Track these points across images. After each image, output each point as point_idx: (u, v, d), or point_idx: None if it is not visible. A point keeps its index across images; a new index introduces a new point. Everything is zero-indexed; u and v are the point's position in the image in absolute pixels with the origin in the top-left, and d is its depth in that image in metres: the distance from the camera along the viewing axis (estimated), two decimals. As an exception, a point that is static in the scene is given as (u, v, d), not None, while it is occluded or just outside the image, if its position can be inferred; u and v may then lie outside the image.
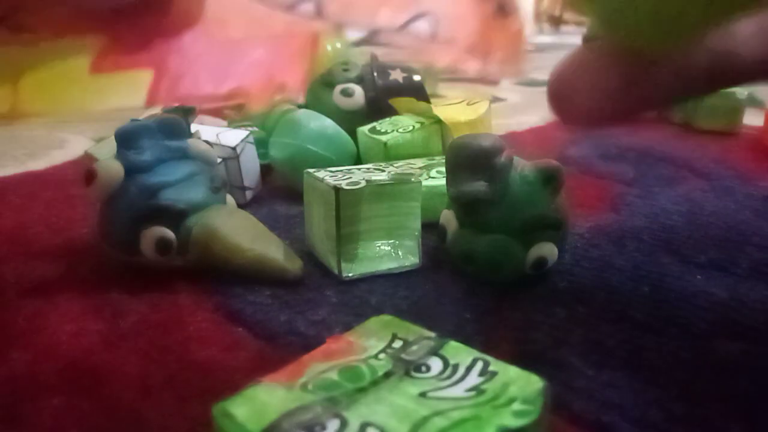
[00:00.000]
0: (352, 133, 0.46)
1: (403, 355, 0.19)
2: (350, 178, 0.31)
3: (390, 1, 0.14)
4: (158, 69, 0.13)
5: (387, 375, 0.18)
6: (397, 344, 0.20)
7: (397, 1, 0.14)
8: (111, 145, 0.34)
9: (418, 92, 0.49)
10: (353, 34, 0.14)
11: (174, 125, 0.32)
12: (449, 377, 0.18)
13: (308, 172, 0.33)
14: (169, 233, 0.30)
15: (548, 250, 0.30)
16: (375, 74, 0.50)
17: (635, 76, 0.16)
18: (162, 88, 0.12)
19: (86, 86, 0.13)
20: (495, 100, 0.87)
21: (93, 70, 0.13)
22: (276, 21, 0.13)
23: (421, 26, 0.14)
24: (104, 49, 0.13)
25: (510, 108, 0.82)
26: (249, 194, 0.42)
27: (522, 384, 0.17)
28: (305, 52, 0.13)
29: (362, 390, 0.17)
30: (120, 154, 0.31)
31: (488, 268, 0.30)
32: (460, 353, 0.19)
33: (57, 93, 0.13)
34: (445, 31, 0.14)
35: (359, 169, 0.34)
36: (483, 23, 0.15)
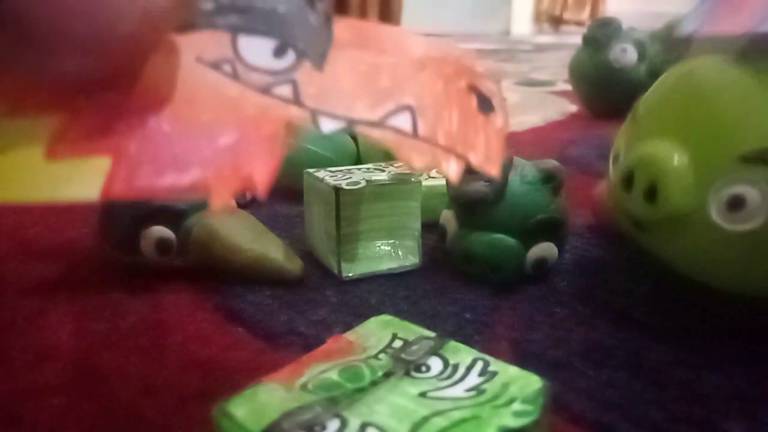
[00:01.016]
0: (352, 133, 0.46)
1: (403, 355, 0.19)
2: (350, 178, 0.31)
3: (369, 92, 0.13)
4: (117, 156, 0.11)
5: (387, 375, 0.18)
6: (397, 344, 0.20)
7: (376, 92, 0.13)
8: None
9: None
10: (329, 125, 0.13)
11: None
12: (449, 377, 0.18)
13: (308, 172, 0.33)
14: (169, 233, 0.30)
15: (548, 250, 0.30)
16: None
17: None
18: (119, 178, 0.11)
19: (39, 173, 0.12)
20: (495, 100, 0.87)
21: (48, 154, 0.12)
22: (249, 103, 0.12)
23: (401, 120, 0.13)
24: (61, 130, 0.12)
25: (510, 108, 0.82)
26: (249, 194, 0.42)
27: (522, 384, 0.17)
28: (276, 142, 0.12)
29: (362, 390, 0.17)
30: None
31: (488, 268, 0.30)
32: (460, 353, 0.19)
33: (9, 179, 0.12)
34: (425, 125, 0.13)
35: (359, 169, 0.34)
36: (464, 118, 0.14)
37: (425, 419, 0.16)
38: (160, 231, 0.30)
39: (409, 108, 0.14)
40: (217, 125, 0.13)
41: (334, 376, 0.18)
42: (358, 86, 0.14)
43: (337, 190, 0.30)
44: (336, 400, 0.17)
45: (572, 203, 0.32)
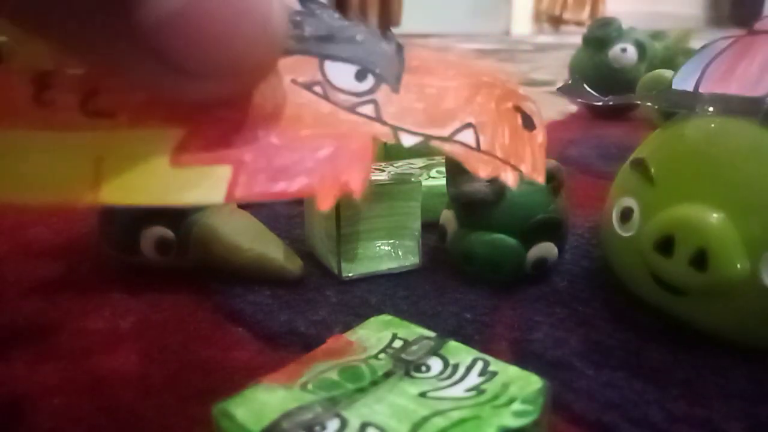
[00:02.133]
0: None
1: (403, 355, 0.19)
2: (350, 178, 0.31)
3: (436, 112, 0.15)
4: (236, 165, 0.13)
5: (387, 375, 0.18)
6: (397, 344, 0.20)
7: (444, 112, 0.15)
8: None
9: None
10: (408, 140, 0.15)
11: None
12: (449, 377, 0.18)
13: (308, 172, 0.33)
14: (169, 233, 0.30)
15: (548, 250, 0.30)
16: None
17: None
18: (240, 184, 0.13)
19: (167, 179, 0.13)
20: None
21: (173, 162, 0.13)
22: (341, 120, 0.14)
23: (466, 136, 0.15)
24: (184, 141, 0.13)
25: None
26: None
27: (522, 384, 0.17)
28: (367, 153, 0.14)
29: (362, 390, 0.17)
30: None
31: (488, 268, 0.30)
32: (460, 353, 0.19)
33: (137, 184, 0.13)
34: (485, 140, 0.16)
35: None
36: (513, 134, 0.16)
37: (425, 419, 0.16)
38: (160, 231, 0.30)
39: (471, 125, 0.16)
40: (317, 139, 0.14)
41: (334, 376, 0.18)
42: (429, 107, 0.16)
43: (337, 190, 0.30)
44: (336, 400, 0.17)
45: (572, 203, 0.32)
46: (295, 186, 0.14)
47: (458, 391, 0.17)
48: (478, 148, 0.16)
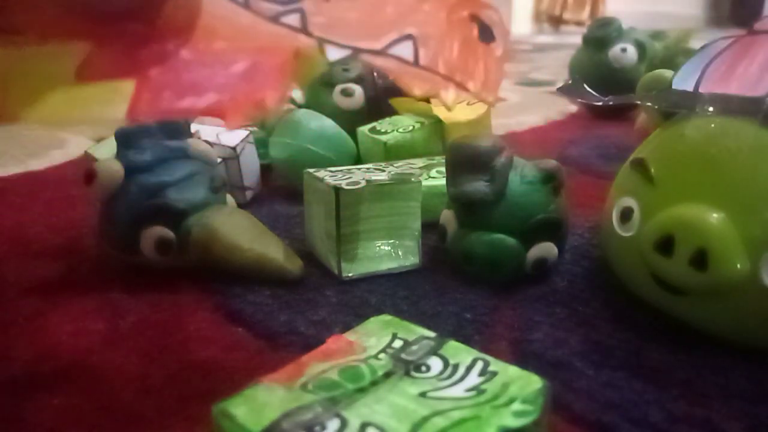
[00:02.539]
0: (352, 133, 0.46)
1: (403, 355, 0.19)
2: (350, 178, 0.31)
3: (372, 22, 0.14)
4: (141, 80, 0.12)
5: (387, 375, 0.18)
6: (397, 344, 0.20)
7: (380, 22, 0.14)
8: (111, 145, 0.34)
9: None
10: (334, 53, 0.14)
11: (174, 126, 0.32)
12: (449, 377, 0.18)
13: (308, 172, 0.33)
14: (169, 233, 0.30)
15: (548, 250, 0.30)
16: (375, 74, 0.50)
17: None
18: (143, 101, 0.12)
19: (71, 94, 0.13)
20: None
21: (78, 78, 0.13)
22: (260, 32, 0.13)
23: (403, 49, 0.14)
24: (89, 56, 0.13)
25: (510, 108, 0.82)
26: (249, 194, 0.42)
27: (522, 384, 0.17)
28: (286, 69, 0.13)
29: (362, 390, 0.17)
30: (120, 154, 0.31)
31: (488, 268, 0.30)
32: (460, 353, 0.19)
33: (43, 99, 0.13)
34: (426, 54, 0.14)
35: (359, 169, 0.34)
36: (464, 47, 0.15)
37: (425, 419, 0.16)
38: (160, 231, 0.30)
39: (411, 37, 0.15)
40: (232, 53, 0.13)
41: (334, 376, 0.18)
42: (363, 16, 0.14)
43: (337, 190, 0.30)
44: (336, 400, 0.17)
45: (572, 203, 0.32)
46: (203, 102, 0.13)
47: (458, 391, 0.17)
48: (416, 63, 0.15)
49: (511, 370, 0.18)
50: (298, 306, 0.29)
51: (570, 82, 0.35)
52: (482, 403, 0.17)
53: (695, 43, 0.71)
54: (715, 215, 0.23)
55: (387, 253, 0.32)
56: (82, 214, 0.40)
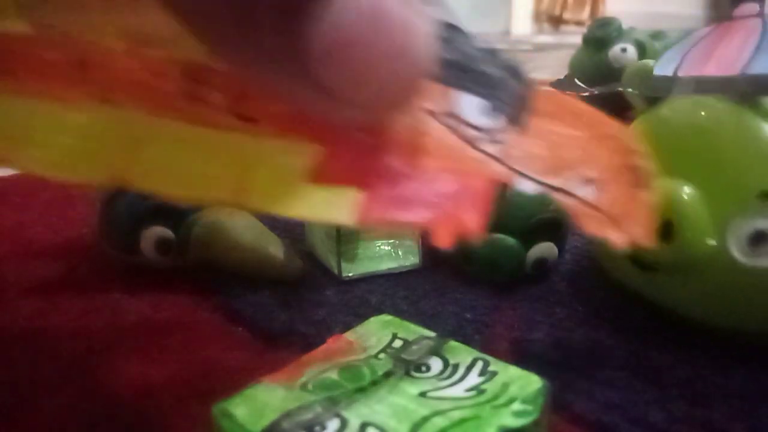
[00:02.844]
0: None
1: (403, 355, 0.19)
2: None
3: (559, 160, 0.15)
4: (368, 190, 0.13)
5: (387, 375, 0.18)
6: (397, 344, 0.20)
7: (565, 162, 0.15)
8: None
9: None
10: (526, 186, 0.15)
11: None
12: (449, 377, 0.18)
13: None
14: (169, 233, 0.30)
15: (548, 250, 0.30)
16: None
17: None
18: (367, 209, 0.13)
19: (304, 194, 0.13)
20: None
21: (313, 179, 0.14)
22: (467, 156, 0.14)
23: (584, 190, 0.15)
24: (323, 160, 0.14)
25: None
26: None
27: (522, 384, 0.17)
28: (489, 195, 0.13)
29: (362, 390, 0.17)
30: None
31: (488, 268, 0.30)
32: (460, 353, 0.19)
33: (276, 194, 0.14)
34: (600, 197, 0.15)
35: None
36: (630, 193, 0.16)
37: (425, 419, 0.16)
38: (160, 231, 0.30)
39: (590, 180, 0.16)
40: (441, 173, 0.14)
41: (334, 376, 0.18)
42: (552, 155, 0.15)
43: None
44: (336, 400, 0.17)
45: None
46: (417, 218, 0.14)
47: (458, 391, 0.17)
48: (592, 205, 0.16)
49: (511, 370, 0.18)
50: (298, 306, 0.29)
51: (562, 78, 0.36)
52: (482, 403, 0.17)
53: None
54: (684, 188, 0.23)
55: (387, 253, 0.32)
56: (82, 214, 0.40)
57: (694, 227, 0.23)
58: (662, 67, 0.28)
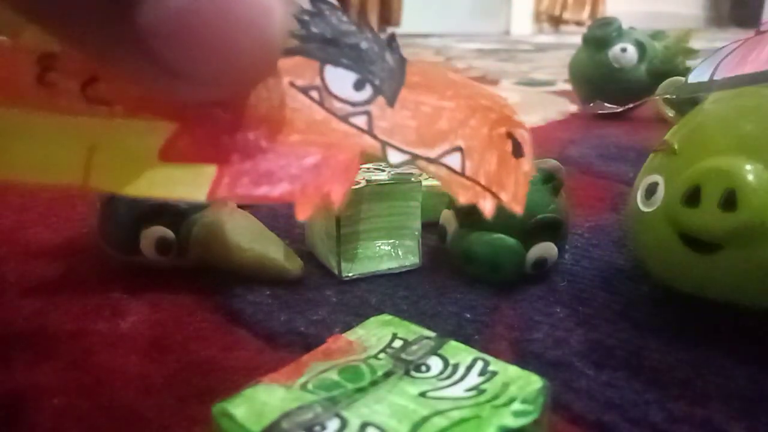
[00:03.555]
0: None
1: (403, 355, 0.19)
2: (350, 178, 0.31)
3: (429, 131, 0.16)
4: (222, 165, 0.13)
5: (387, 375, 0.18)
6: (397, 344, 0.20)
7: (435, 133, 0.16)
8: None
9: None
10: (396, 157, 0.15)
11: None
12: (449, 377, 0.18)
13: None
14: (169, 233, 0.30)
15: (548, 250, 0.30)
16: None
17: None
18: (223, 185, 0.13)
19: (154, 172, 0.14)
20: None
21: (161, 156, 0.14)
22: (332, 129, 0.14)
23: (453, 159, 0.16)
24: (174, 137, 0.14)
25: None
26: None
27: (522, 384, 0.17)
28: (352, 166, 0.14)
29: (362, 390, 0.17)
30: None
31: (488, 268, 0.30)
32: (460, 353, 0.19)
33: (125, 174, 0.14)
34: (471, 166, 0.16)
35: (359, 168, 0.34)
36: (501, 161, 0.16)
37: (425, 419, 0.16)
38: (160, 231, 0.30)
39: (460, 149, 0.16)
40: (305, 146, 0.14)
41: (334, 376, 0.18)
42: (421, 125, 0.16)
43: (337, 190, 0.30)
44: (336, 400, 0.17)
45: (572, 203, 0.32)
46: (276, 191, 0.14)
47: (458, 390, 0.17)
48: (462, 173, 0.16)
49: (511, 370, 0.18)
50: (298, 306, 0.29)
51: (591, 105, 0.36)
52: (482, 402, 0.17)
53: (695, 43, 0.71)
54: (741, 159, 0.23)
55: (387, 252, 0.32)
56: (82, 214, 0.40)
57: (759, 194, 0.22)
58: (696, 78, 0.28)
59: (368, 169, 0.34)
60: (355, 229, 0.31)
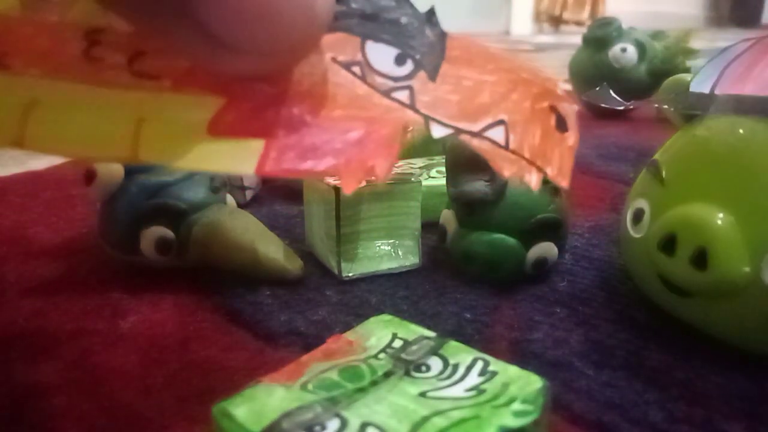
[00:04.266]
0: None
1: (403, 355, 0.19)
2: (350, 178, 0.31)
3: (471, 105, 0.16)
4: (269, 140, 0.14)
5: (387, 375, 0.18)
6: (397, 344, 0.20)
7: (478, 106, 0.16)
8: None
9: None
10: (439, 131, 0.15)
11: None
12: (449, 377, 0.18)
13: (308, 172, 0.33)
14: (169, 233, 0.30)
15: (548, 250, 0.30)
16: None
17: None
18: (270, 159, 0.14)
19: (202, 146, 0.14)
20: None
21: (210, 130, 0.14)
22: (374, 104, 0.14)
23: (496, 133, 0.16)
24: (221, 111, 0.14)
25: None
26: (249, 194, 0.42)
27: (522, 384, 0.17)
28: (395, 140, 0.14)
29: (362, 390, 0.17)
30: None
31: (488, 268, 0.30)
32: (460, 353, 0.19)
33: (175, 147, 0.14)
34: (514, 139, 0.16)
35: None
36: (544, 135, 0.16)
37: (425, 419, 0.16)
38: (160, 231, 0.30)
39: (503, 123, 0.16)
40: (348, 121, 0.14)
41: (334, 376, 0.18)
42: (463, 99, 0.15)
43: (337, 189, 0.30)
44: (336, 400, 0.17)
45: (572, 203, 0.32)
46: (322, 165, 0.14)
47: (458, 390, 0.17)
48: (506, 147, 0.16)
49: (511, 370, 0.18)
50: (298, 306, 0.29)
51: (598, 89, 0.36)
52: (482, 402, 0.17)
53: (695, 43, 0.71)
54: (719, 215, 0.23)
55: (387, 253, 0.32)
56: (82, 214, 0.40)
57: (729, 255, 0.22)
58: (699, 83, 0.27)
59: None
60: (355, 229, 0.31)
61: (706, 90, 0.27)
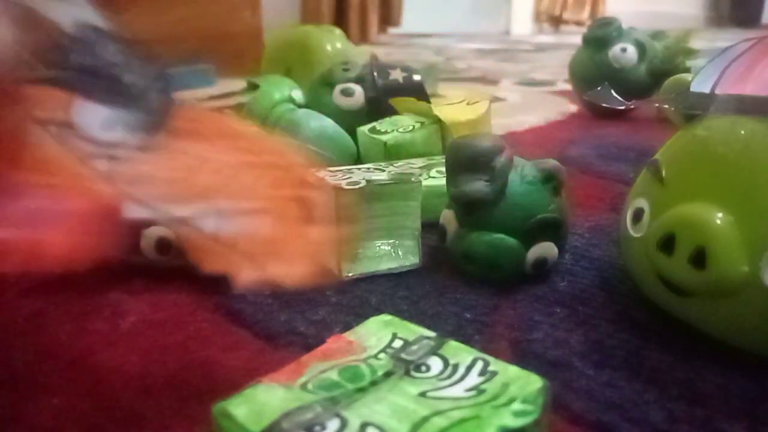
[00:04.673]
0: (352, 133, 0.46)
1: (403, 355, 0.19)
2: (350, 178, 0.31)
3: (185, 186, 0.14)
4: None
5: (387, 375, 0.18)
6: (397, 344, 0.20)
7: (192, 189, 0.14)
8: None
9: (419, 92, 0.49)
10: (133, 210, 0.13)
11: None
12: (449, 377, 0.18)
13: (308, 172, 0.33)
14: (169, 233, 0.30)
15: (548, 250, 0.30)
16: (375, 74, 0.50)
17: None
18: None
19: None
20: (495, 100, 0.87)
21: None
22: (66, 170, 0.13)
23: (208, 222, 0.14)
24: None
25: (510, 108, 0.82)
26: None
27: (522, 384, 0.17)
28: (89, 217, 0.12)
29: (362, 390, 0.17)
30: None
31: (488, 268, 0.30)
32: (460, 353, 0.19)
33: None
34: (230, 231, 0.14)
35: (359, 169, 0.34)
36: (280, 227, 0.15)
37: (425, 419, 0.16)
38: (160, 231, 0.30)
39: (219, 211, 0.14)
40: (29, 187, 0.13)
41: (334, 376, 0.18)
42: (178, 178, 0.14)
43: (337, 190, 0.30)
44: (336, 400, 0.17)
45: (572, 203, 0.32)
46: None
47: (458, 390, 0.17)
48: (218, 239, 0.14)
49: (511, 370, 0.18)
50: (298, 306, 0.29)
51: (599, 88, 0.36)
52: (482, 402, 0.17)
53: (695, 43, 0.71)
54: (718, 214, 0.23)
55: (387, 253, 0.32)
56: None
57: (727, 254, 0.22)
58: (700, 83, 0.27)
59: (368, 169, 0.34)
60: (355, 229, 0.31)
61: (707, 90, 0.27)
